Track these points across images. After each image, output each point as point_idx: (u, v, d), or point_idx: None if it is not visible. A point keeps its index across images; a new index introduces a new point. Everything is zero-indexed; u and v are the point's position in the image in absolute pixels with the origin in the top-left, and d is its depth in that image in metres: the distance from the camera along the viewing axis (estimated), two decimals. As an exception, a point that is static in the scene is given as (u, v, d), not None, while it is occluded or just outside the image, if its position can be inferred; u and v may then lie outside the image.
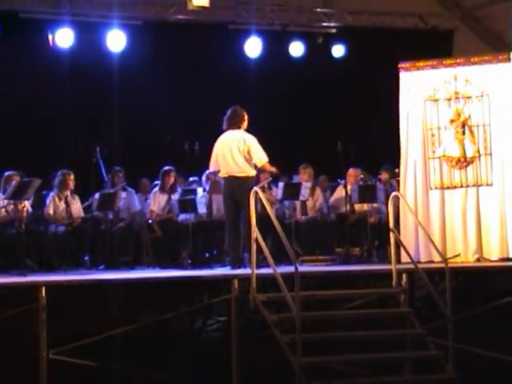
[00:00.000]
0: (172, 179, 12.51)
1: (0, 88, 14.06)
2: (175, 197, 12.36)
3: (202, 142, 12.44)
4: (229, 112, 10.83)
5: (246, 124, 10.83)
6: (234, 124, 10.77)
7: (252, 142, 10.64)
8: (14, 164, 11.77)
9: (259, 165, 10.65)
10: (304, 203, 12.82)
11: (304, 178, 12.87)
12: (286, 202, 12.77)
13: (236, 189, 10.53)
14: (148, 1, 15.20)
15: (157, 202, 12.46)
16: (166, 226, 12.24)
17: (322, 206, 12.99)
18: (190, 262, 11.63)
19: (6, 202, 11.12)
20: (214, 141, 10.94)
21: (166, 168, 12.58)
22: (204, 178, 12.58)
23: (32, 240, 11.32)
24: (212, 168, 10.96)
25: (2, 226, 11.13)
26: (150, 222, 12.40)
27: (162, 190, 12.50)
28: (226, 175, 10.69)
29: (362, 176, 12.79)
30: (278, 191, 12.53)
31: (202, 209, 12.06)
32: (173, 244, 12.31)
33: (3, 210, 11.12)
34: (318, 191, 13.09)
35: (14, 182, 11.22)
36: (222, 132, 10.89)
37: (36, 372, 8.48)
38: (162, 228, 12.27)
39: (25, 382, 8.87)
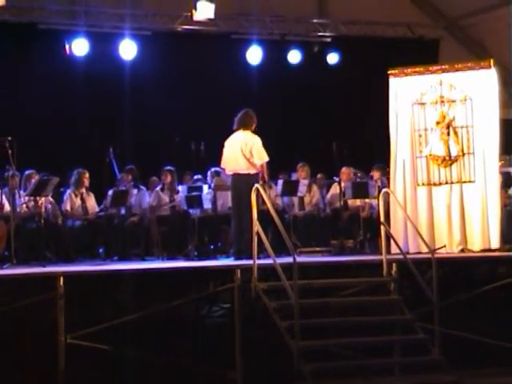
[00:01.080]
0: (169, 178, 12.45)
1: (20, 94, 14.08)
2: (177, 195, 12.32)
3: (208, 143, 12.45)
4: (240, 114, 10.80)
5: (254, 126, 10.79)
6: (243, 125, 10.74)
7: (256, 142, 10.62)
8: (34, 163, 11.77)
9: (259, 163, 10.60)
10: (301, 199, 12.82)
11: (302, 176, 12.86)
12: (285, 198, 12.77)
13: (239, 185, 10.53)
14: (157, 12, 15.20)
15: (156, 199, 12.42)
16: (174, 219, 12.22)
17: (319, 202, 12.99)
18: (196, 253, 11.62)
19: (26, 198, 11.11)
20: (219, 141, 10.92)
21: (165, 168, 12.55)
22: (209, 175, 12.57)
23: (51, 234, 11.32)
24: (222, 165, 10.95)
25: (23, 221, 11.11)
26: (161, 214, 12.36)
27: (163, 188, 12.48)
28: (232, 172, 10.70)
29: (358, 174, 12.77)
30: (278, 188, 12.54)
31: (207, 204, 12.06)
32: (180, 237, 12.30)
33: (24, 205, 11.11)
34: (315, 188, 13.08)
35: (33, 180, 11.22)
36: (226, 133, 10.87)
37: (55, 355, 8.47)
38: (171, 222, 12.23)
39: (45, 364, 8.86)
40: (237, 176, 10.60)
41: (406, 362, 8.84)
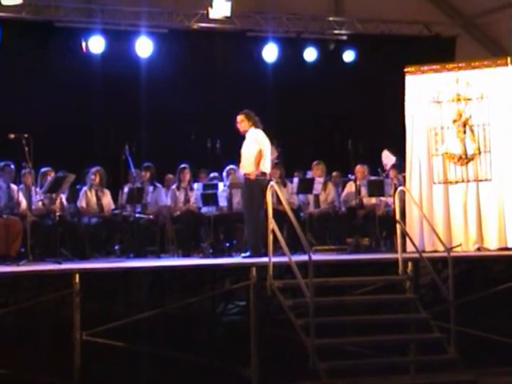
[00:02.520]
0: (187, 176, 12.43)
1: (37, 91, 14.09)
2: (192, 192, 12.30)
3: (223, 141, 12.43)
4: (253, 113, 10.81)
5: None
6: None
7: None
8: (50, 161, 11.78)
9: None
10: (317, 197, 12.79)
11: (317, 174, 12.83)
12: (301, 196, 12.74)
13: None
14: (173, 10, 15.20)
15: (174, 197, 12.40)
16: (189, 218, 12.21)
17: (334, 200, 12.95)
18: (211, 251, 11.61)
19: (42, 195, 11.12)
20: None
21: (181, 166, 12.50)
22: (225, 173, 12.55)
23: (66, 231, 11.33)
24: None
25: (39, 218, 11.13)
26: (175, 215, 12.35)
27: (179, 186, 12.45)
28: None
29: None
30: (293, 186, 12.51)
31: (222, 202, 12.04)
32: (195, 234, 12.30)
33: (40, 203, 11.13)
34: (330, 186, 13.04)
35: (49, 177, 11.23)
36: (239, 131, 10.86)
37: (71, 351, 8.48)
38: (185, 220, 12.22)
39: (61, 360, 8.88)
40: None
41: (422, 360, 8.81)
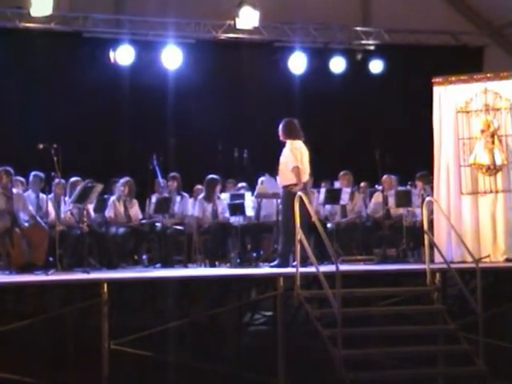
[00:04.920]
0: (218, 188, 12.43)
1: (65, 101, 14.22)
2: (218, 204, 12.31)
3: (250, 151, 12.48)
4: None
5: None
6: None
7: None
8: (79, 171, 11.88)
9: None
10: (344, 207, 12.78)
11: (344, 184, 12.83)
12: (328, 206, 12.74)
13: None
14: (200, 21, 15.28)
15: (201, 209, 12.41)
16: (216, 228, 12.24)
17: (361, 210, 12.94)
18: (238, 261, 11.63)
19: (71, 205, 11.21)
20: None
21: (211, 177, 12.40)
22: (259, 183, 12.46)
23: (94, 240, 11.40)
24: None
25: (67, 228, 11.21)
26: (202, 227, 12.35)
27: (207, 197, 12.42)
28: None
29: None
30: (320, 196, 12.52)
31: (250, 212, 12.07)
32: (222, 244, 12.33)
33: (69, 212, 11.21)
34: (357, 196, 13.03)
35: (78, 187, 11.31)
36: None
37: (98, 361, 8.54)
38: (212, 230, 12.24)
39: (89, 369, 8.93)
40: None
41: (450, 372, 8.78)
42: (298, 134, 10.77)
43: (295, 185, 10.45)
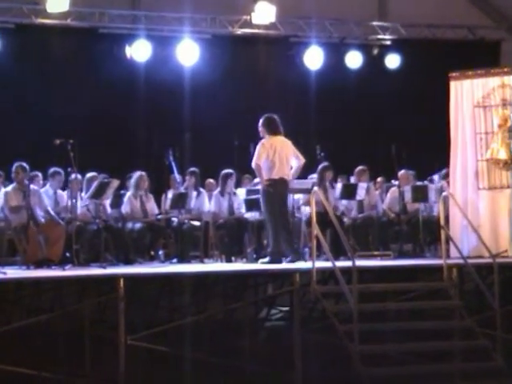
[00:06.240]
0: (232, 182, 12.44)
1: (81, 97, 14.27)
2: (234, 199, 12.31)
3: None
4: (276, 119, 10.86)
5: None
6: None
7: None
8: (95, 166, 11.89)
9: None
10: (360, 202, 12.74)
11: (360, 179, 12.79)
12: (344, 201, 12.71)
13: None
14: (216, 16, 15.28)
15: (217, 203, 12.42)
16: (232, 223, 12.24)
17: (377, 205, 12.90)
18: (254, 256, 11.63)
19: (88, 201, 11.24)
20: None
21: (226, 172, 12.44)
22: None
23: (111, 236, 11.43)
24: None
25: (84, 223, 11.24)
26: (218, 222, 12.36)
27: (222, 192, 12.45)
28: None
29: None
30: (336, 191, 12.49)
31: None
32: (238, 240, 12.32)
33: (85, 208, 11.24)
34: (374, 191, 13.01)
35: (94, 183, 11.34)
36: (285, 137, 10.88)
37: (115, 356, 8.55)
38: (228, 225, 12.24)
39: (106, 364, 8.96)
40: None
41: (467, 368, 8.74)
42: (277, 129, 10.76)
43: (266, 181, 10.49)
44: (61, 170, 11.35)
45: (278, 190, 10.56)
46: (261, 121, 10.83)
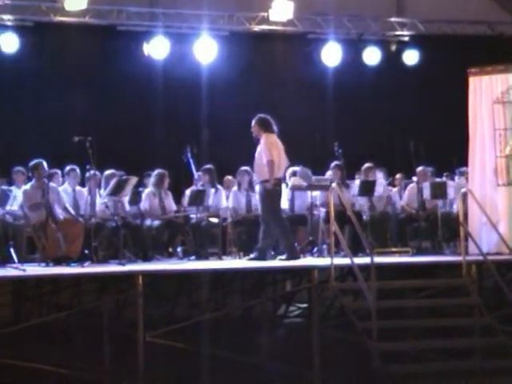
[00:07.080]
0: (247, 178, 12.41)
1: (99, 95, 14.31)
2: (252, 196, 12.29)
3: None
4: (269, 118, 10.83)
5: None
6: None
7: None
8: (113, 163, 11.92)
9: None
10: (378, 199, 12.71)
11: (368, 177, 12.74)
12: (362, 198, 12.68)
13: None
14: (234, 13, 15.28)
15: (235, 200, 12.41)
16: (250, 220, 12.22)
17: (395, 201, 12.86)
18: (272, 253, 11.61)
19: (106, 198, 11.27)
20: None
21: (242, 168, 12.37)
22: (287, 175, 12.49)
23: (129, 233, 11.46)
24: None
25: (102, 220, 11.27)
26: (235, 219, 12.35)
27: (240, 188, 12.45)
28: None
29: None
30: (354, 188, 12.45)
31: (284, 204, 12.01)
32: (256, 236, 12.30)
33: (104, 205, 11.27)
34: (391, 188, 12.97)
35: (113, 180, 11.36)
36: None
37: (134, 352, 8.57)
38: (246, 222, 12.23)
39: (125, 361, 8.99)
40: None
41: (487, 365, 8.70)
42: (271, 129, 10.72)
43: (266, 181, 10.46)
44: (76, 167, 11.39)
45: (280, 188, 10.69)
46: (254, 120, 10.78)
